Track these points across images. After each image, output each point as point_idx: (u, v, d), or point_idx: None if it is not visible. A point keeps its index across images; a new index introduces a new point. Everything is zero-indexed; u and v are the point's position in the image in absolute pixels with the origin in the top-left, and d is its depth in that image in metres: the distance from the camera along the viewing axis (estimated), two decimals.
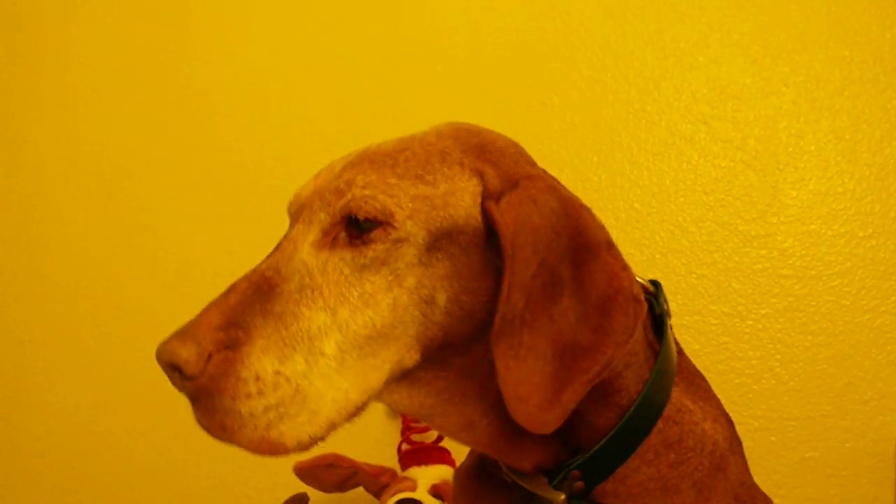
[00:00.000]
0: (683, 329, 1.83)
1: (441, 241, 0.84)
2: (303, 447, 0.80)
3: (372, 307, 0.82)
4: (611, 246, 0.87)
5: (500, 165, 0.89)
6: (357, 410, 0.83)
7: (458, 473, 1.11)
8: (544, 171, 0.94)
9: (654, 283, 1.03)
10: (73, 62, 2.23)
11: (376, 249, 0.82)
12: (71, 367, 2.15)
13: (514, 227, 0.83)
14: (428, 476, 1.77)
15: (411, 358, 0.85)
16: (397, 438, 1.91)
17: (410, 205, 0.83)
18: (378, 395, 0.85)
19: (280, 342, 0.79)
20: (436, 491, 1.73)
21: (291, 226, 0.89)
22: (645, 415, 0.92)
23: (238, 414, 0.77)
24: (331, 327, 0.80)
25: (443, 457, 1.85)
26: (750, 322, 1.86)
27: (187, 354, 0.76)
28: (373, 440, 1.99)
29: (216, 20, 2.17)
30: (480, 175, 0.87)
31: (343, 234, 0.83)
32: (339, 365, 0.80)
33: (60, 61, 2.24)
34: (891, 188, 1.85)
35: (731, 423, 1.02)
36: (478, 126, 0.95)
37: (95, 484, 2.12)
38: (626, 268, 0.87)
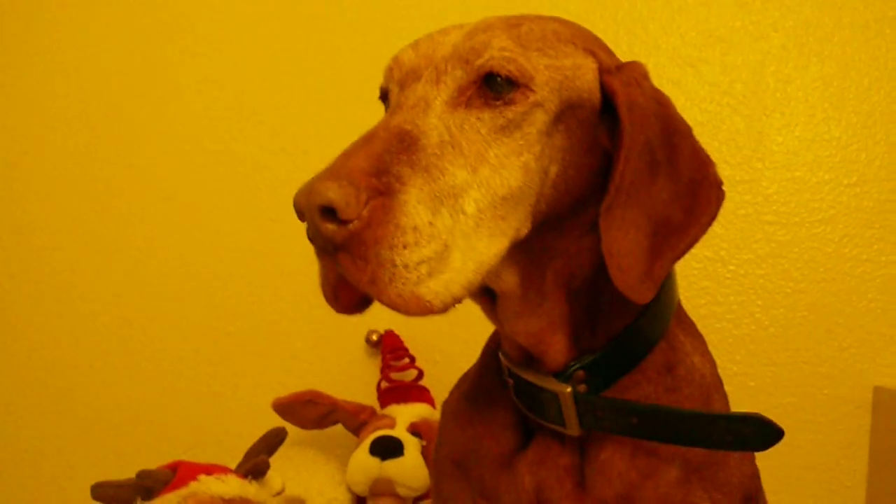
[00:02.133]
0: None
1: (565, 112, 0.84)
2: (445, 307, 0.77)
3: (507, 168, 0.81)
4: (692, 136, 0.90)
5: (604, 49, 0.91)
6: (485, 275, 0.81)
7: (449, 403, 1.12)
8: None
9: None
10: (65, 57, 2.20)
11: (515, 111, 0.81)
12: (68, 366, 2.15)
13: (629, 103, 0.85)
14: (407, 414, 1.78)
15: (525, 227, 0.85)
16: (376, 376, 1.91)
17: (546, 72, 0.83)
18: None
19: (431, 194, 0.76)
20: (414, 429, 1.74)
21: (406, 87, 0.86)
22: (650, 330, 0.93)
23: (391, 264, 0.74)
24: (471, 185, 0.79)
25: (422, 395, 1.85)
26: (732, 267, 1.86)
27: (345, 195, 0.71)
28: (352, 377, 1.99)
29: (209, 13, 2.14)
30: (593, 54, 0.88)
31: (476, 95, 0.82)
32: (476, 224, 0.79)
33: (53, 56, 2.21)
34: (877, 136, 1.84)
35: (714, 362, 1.02)
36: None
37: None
38: (709, 156, 0.90)
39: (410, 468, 1.67)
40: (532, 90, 0.81)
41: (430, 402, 1.86)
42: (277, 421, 1.69)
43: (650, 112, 0.86)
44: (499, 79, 0.81)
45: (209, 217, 2.08)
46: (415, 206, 0.75)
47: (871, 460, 1.78)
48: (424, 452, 1.71)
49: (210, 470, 1.40)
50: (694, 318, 1.04)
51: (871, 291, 1.82)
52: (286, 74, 2.08)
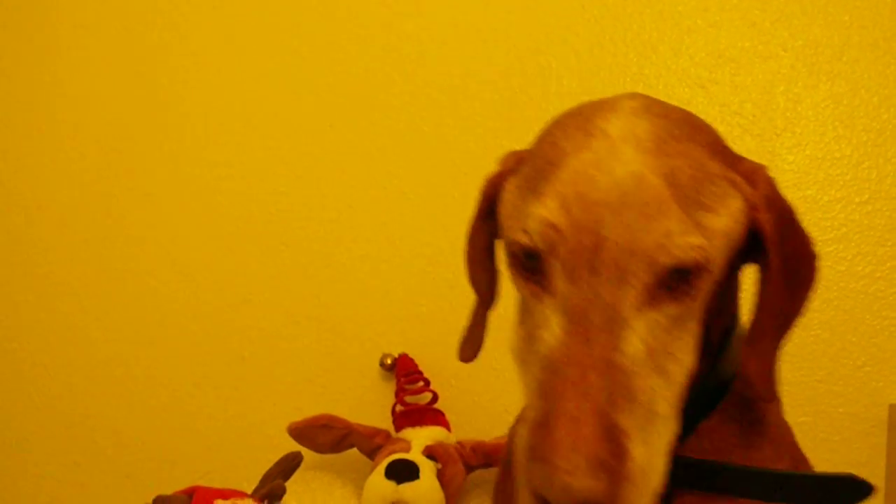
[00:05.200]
0: None
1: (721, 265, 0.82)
2: None
3: (688, 352, 0.79)
4: (796, 215, 0.88)
5: (735, 163, 0.85)
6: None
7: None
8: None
9: None
10: (64, 56, 2.22)
11: (697, 300, 0.79)
12: (84, 393, 2.16)
13: (771, 229, 0.82)
14: (422, 437, 1.78)
15: None
16: (391, 400, 1.91)
17: (718, 244, 0.79)
18: None
19: (642, 426, 0.74)
20: (429, 452, 1.74)
21: (578, 275, 0.78)
22: (727, 366, 0.93)
23: None
24: (661, 386, 0.76)
25: (437, 418, 1.85)
26: (745, 286, 1.86)
27: (596, 487, 0.69)
28: (367, 401, 1.99)
29: (208, 19, 2.17)
30: (734, 184, 0.83)
31: (659, 289, 0.77)
32: (667, 421, 0.77)
33: (52, 55, 2.23)
34: (888, 154, 1.84)
35: None
36: (667, 105, 0.87)
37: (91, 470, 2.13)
38: (804, 230, 0.88)
39: (426, 491, 1.67)
40: (709, 270, 0.78)
41: (445, 425, 1.86)
42: (293, 445, 1.69)
43: (782, 227, 0.84)
44: (685, 269, 0.77)
45: (223, 242, 2.09)
46: (640, 451, 0.73)
47: (887, 478, 1.77)
48: (440, 475, 1.70)
49: (226, 495, 1.40)
50: None
51: (884, 309, 1.81)
52: (306, 98, 2.10)
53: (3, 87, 2.25)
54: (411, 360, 1.93)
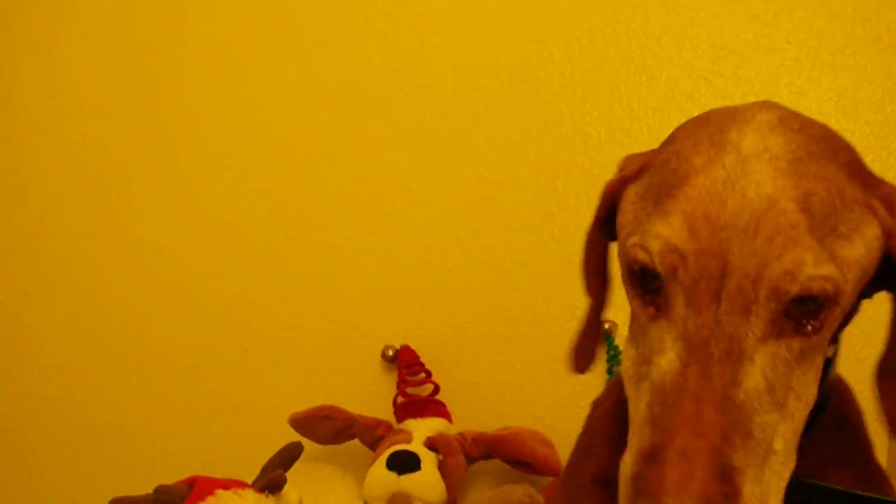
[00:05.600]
0: None
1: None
2: None
3: (807, 387, 0.76)
4: None
5: (873, 185, 0.80)
6: None
7: (596, 417, 1.07)
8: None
9: None
10: (67, 55, 2.22)
11: (824, 334, 0.75)
12: (85, 383, 2.17)
13: None
14: (423, 428, 1.78)
15: None
16: (393, 391, 1.91)
17: (851, 276, 0.75)
18: None
19: (757, 463, 0.72)
20: (431, 443, 1.74)
21: (698, 299, 0.76)
22: (824, 386, 0.87)
23: None
24: (779, 422, 0.74)
25: (438, 410, 1.85)
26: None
27: None
28: (368, 393, 1.99)
29: (212, 15, 2.17)
30: (871, 209, 0.78)
31: (785, 320, 0.74)
32: (784, 458, 0.74)
33: (61, 56, 2.23)
34: (891, 147, 1.84)
35: None
36: (805, 119, 0.83)
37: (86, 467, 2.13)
38: None
39: (427, 482, 1.67)
40: (839, 303, 0.74)
41: (447, 416, 1.86)
42: (294, 437, 1.69)
43: None
44: (813, 301, 0.73)
45: (225, 233, 2.09)
46: (753, 490, 0.71)
47: (889, 449, 1.77)
48: (441, 466, 1.70)
49: (227, 485, 1.40)
50: None
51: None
52: (308, 89, 2.10)
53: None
54: (413, 351, 1.94)
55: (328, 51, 2.09)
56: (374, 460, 1.73)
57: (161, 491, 1.38)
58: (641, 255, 0.78)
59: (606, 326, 1.81)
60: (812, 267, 0.72)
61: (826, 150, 0.78)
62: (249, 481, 1.47)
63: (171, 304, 2.11)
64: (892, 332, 0.80)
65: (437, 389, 1.89)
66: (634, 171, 0.87)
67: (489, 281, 1.93)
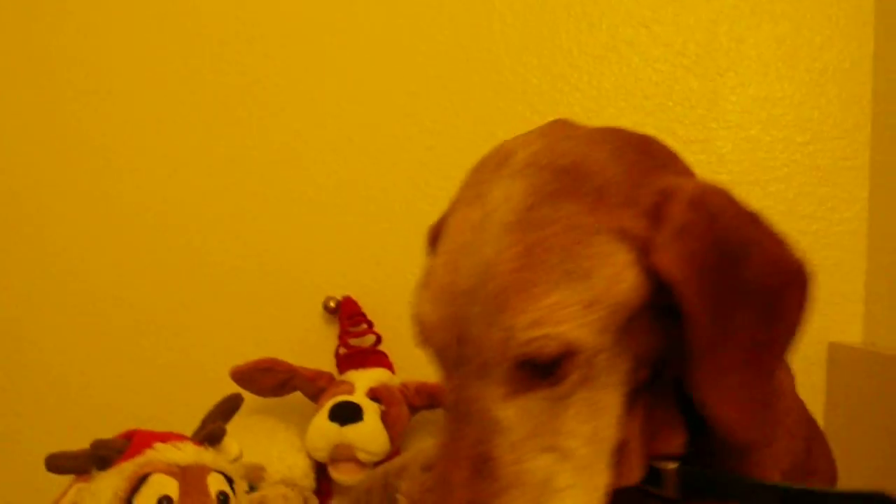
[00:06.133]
0: None
1: (621, 328, 0.77)
2: None
3: (589, 423, 0.78)
4: (754, 226, 0.83)
5: (631, 202, 0.78)
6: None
7: None
8: (665, 157, 0.87)
9: None
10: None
11: (571, 381, 0.76)
12: (24, 338, 2.14)
13: (679, 269, 0.75)
14: (365, 379, 1.77)
15: (622, 431, 0.82)
16: (334, 342, 1.90)
17: (582, 319, 0.74)
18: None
19: (529, 502, 0.75)
20: (373, 394, 1.74)
21: (450, 370, 0.79)
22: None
23: None
24: (556, 462, 0.76)
25: (380, 360, 1.85)
26: None
27: None
28: (310, 344, 1.98)
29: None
30: (622, 233, 0.76)
31: (527, 376, 0.75)
32: (570, 492, 0.77)
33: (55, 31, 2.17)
34: (830, 94, 1.85)
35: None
36: (568, 143, 0.82)
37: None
38: (777, 242, 0.83)
39: (370, 433, 1.67)
40: (579, 352, 0.74)
41: (389, 367, 1.86)
42: (235, 390, 1.68)
43: (704, 251, 0.77)
44: (541, 364, 0.75)
45: (162, 183, 2.06)
46: None
47: (825, 416, 1.80)
48: (383, 417, 1.70)
49: (165, 438, 1.38)
50: None
51: (825, 249, 1.83)
52: (259, 45, 2.07)
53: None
54: (355, 302, 1.93)
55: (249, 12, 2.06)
56: (316, 412, 1.72)
57: (98, 445, 1.36)
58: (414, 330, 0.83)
59: None
60: (523, 331, 0.73)
61: (569, 183, 0.77)
62: (189, 435, 1.46)
63: (107, 258, 2.08)
64: (691, 340, 0.77)
65: (379, 340, 1.89)
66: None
67: None
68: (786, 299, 0.80)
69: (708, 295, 0.76)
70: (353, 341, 1.87)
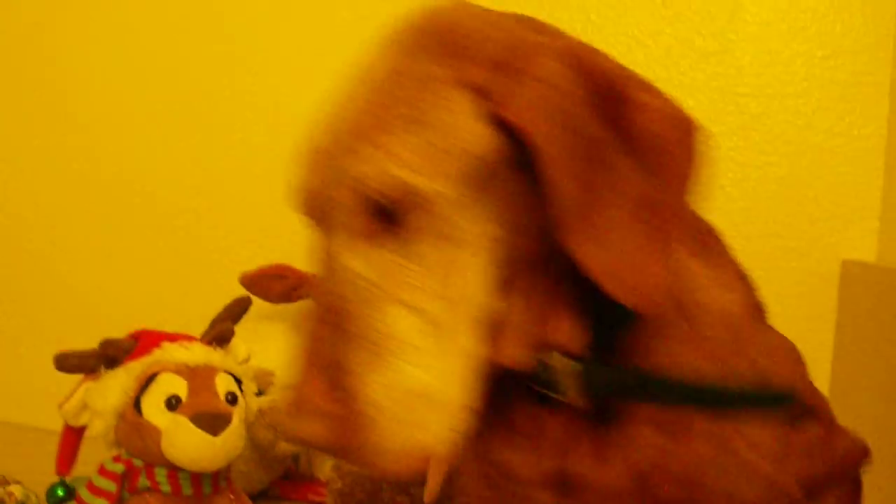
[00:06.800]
0: None
1: (470, 181, 0.76)
2: (451, 444, 0.77)
3: (438, 280, 0.76)
4: (634, 82, 0.80)
5: (484, 58, 0.77)
6: (483, 373, 0.80)
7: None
8: (553, 32, 0.84)
9: None
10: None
11: (417, 230, 0.75)
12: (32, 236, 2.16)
13: (530, 118, 0.73)
14: None
15: (493, 302, 0.80)
16: None
17: (423, 164, 0.74)
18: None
19: (377, 359, 0.74)
20: None
21: (318, 229, 0.81)
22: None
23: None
24: (404, 317, 0.75)
25: None
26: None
27: (318, 432, 0.73)
28: None
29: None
30: (469, 84, 0.76)
31: (373, 223, 0.76)
32: (419, 350, 0.75)
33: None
34: (852, 8, 1.81)
35: (750, 293, 0.99)
36: (457, 12, 0.83)
37: None
38: (658, 96, 0.80)
39: None
40: (416, 193, 0.74)
41: None
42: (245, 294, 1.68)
43: (567, 101, 0.75)
44: (380, 204, 0.75)
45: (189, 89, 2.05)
46: (373, 386, 0.74)
47: (837, 333, 1.79)
48: None
49: (174, 338, 1.39)
50: None
51: (842, 165, 1.81)
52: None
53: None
54: None
55: None
56: None
57: (107, 345, 1.37)
58: None
59: None
60: (365, 175, 0.75)
61: (432, 42, 0.79)
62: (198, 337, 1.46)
63: (118, 153, 2.09)
64: (551, 192, 0.75)
65: None
66: None
67: None
68: (675, 150, 0.79)
69: (571, 150, 0.74)
70: None
